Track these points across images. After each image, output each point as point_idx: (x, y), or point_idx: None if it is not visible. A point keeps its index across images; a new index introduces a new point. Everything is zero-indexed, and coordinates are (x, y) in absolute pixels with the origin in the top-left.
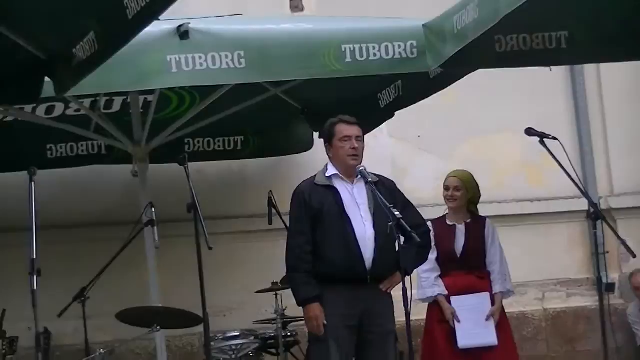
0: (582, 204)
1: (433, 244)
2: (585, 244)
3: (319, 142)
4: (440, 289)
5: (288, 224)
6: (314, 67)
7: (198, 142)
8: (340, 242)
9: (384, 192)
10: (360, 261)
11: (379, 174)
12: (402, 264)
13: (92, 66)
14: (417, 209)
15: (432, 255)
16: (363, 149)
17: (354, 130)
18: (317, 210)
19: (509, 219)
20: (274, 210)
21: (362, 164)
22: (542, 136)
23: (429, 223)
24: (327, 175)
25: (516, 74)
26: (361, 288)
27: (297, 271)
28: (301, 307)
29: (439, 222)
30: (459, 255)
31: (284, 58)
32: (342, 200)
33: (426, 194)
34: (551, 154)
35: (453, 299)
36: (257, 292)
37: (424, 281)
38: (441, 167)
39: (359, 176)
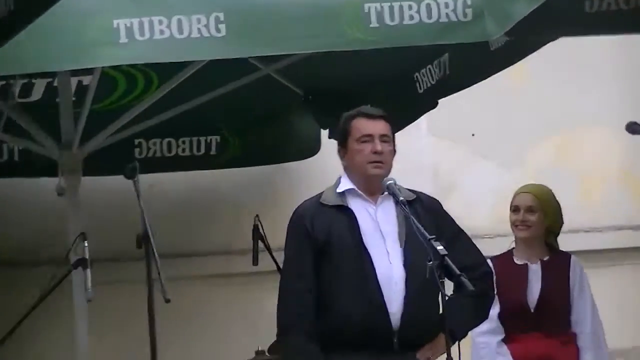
0: None
1: (494, 293)
2: None
3: (329, 145)
4: (504, 359)
5: (282, 264)
6: (325, 36)
7: (154, 144)
8: (355, 288)
9: (424, 215)
10: (384, 316)
11: (416, 189)
12: (447, 324)
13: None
14: (474, 240)
15: (493, 310)
16: (392, 154)
17: (378, 127)
18: (323, 242)
19: (603, 257)
20: (261, 244)
21: (390, 176)
22: None
23: (488, 262)
24: (339, 191)
25: (614, 45)
26: (385, 357)
27: (292, 333)
28: None
29: (503, 260)
30: (532, 310)
31: (281, 23)
32: (359, 226)
33: (482, 218)
34: None
35: None
36: None
37: (482, 348)
38: (505, 180)
39: (386, 193)
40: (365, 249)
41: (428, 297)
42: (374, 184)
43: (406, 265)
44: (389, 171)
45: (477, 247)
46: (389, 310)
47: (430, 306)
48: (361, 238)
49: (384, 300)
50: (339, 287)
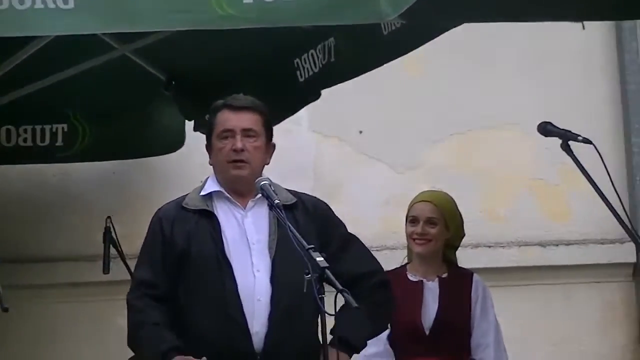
0: (628, 252)
1: None
2: (631, 319)
3: (195, 139)
4: None
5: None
6: (191, 11)
7: None
8: (213, 303)
9: (306, 221)
10: (244, 336)
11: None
12: (339, 332)
13: None
14: None
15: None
16: (260, 151)
17: (242, 120)
18: (181, 252)
19: (508, 275)
20: (113, 250)
21: (263, 176)
22: (567, 137)
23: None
24: (203, 193)
25: (526, 34)
26: None
27: (141, 328)
28: None
29: (395, 276)
30: (427, 332)
31: None
32: (222, 234)
33: (369, 227)
34: (580, 166)
35: None
36: None
37: None
38: (396, 185)
39: (259, 195)
40: (227, 259)
41: (301, 315)
42: (238, 186)
43: (273, 278)
44: (255, 171)
45: (371, 254)
46: (251, 330)
47: (304, 326)
48: (223, 247)
49: (244, 318)
50: (197, 303)
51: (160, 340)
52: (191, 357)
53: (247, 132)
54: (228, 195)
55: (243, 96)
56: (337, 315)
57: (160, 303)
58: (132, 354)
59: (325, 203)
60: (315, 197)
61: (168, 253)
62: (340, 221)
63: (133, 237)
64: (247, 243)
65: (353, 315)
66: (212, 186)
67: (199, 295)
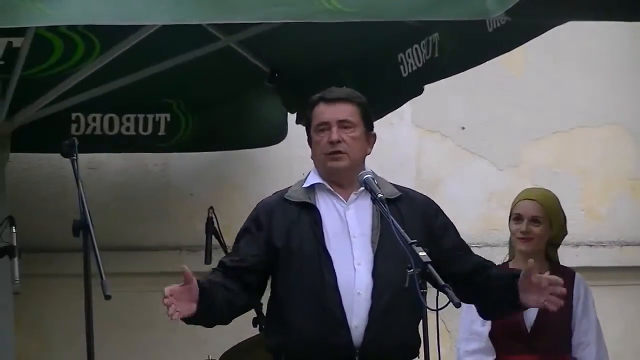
0: None
1: None
2: None
3: (297, 131)
4: None
5: None
6: (296, 4)
7: (94, 120)
8: (312, 297)
9: (410, 216)
10: (343, 331)
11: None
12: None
13: None
14: None
15: (484, 328)
16: (359, 141)
17: (337, 112)
18: (280, 244)
19: (608, 275)
20: (215, 241)
21: (367, 169)
22: None
23: None
24: (305, 186)
25: (629, 33)
26: None
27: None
28: None
29: None
30: (529, 330)
31: None
32: (323, 227)
33: (469, 223)
34: None
35: None
36: None
37: None
38: (498, 182)
39: (362, 188)
40: (327, 253)
41: (401, 311)
42: (338, 178)
43: (375, 273)
44: (354, 162)
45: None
46: (350, 324)
47: (404, 322)
48: (324, 240)
49: (343, 313)
50: (295, 297)
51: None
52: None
53: (342, 124)
54: (330, 188)
55: (338, 88)
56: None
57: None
58: (229, 345)
59: (431, 199)
60: (420, 193)
61: (263, 241)
62: (447, 218)
63: (233, 229)
64: (349, 236)
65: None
66: (314, 178)
67: (298, 288)
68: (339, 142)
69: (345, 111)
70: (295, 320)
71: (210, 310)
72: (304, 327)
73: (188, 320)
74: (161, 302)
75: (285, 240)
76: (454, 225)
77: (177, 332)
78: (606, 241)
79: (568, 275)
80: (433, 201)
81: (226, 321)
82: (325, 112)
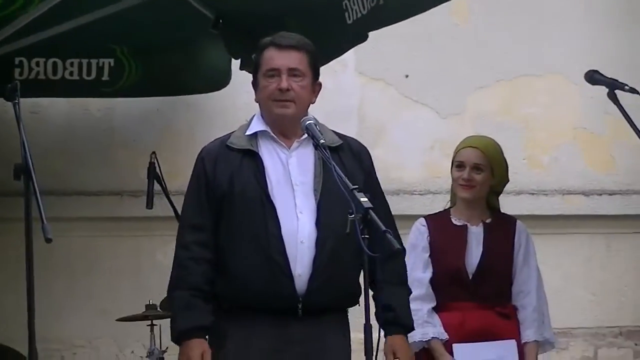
0: None
1: (427, 255)
2: None
3: (241, 77)
4: (435, 329)
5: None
6: None
7: (37, 64)
8: (255, 245)
9: (351, 164)
10: (286, 279)
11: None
12: (397, 318)
13: None
14: (401, 196)
15: (425, 274)
16: (307, 90)
17: (288, 60)
18: (224, 192)
19: (549, 224)
20: (157, 186)
21: (308, 116)
22: (614, 86)
23: (420, 221)
24: (248, 133)
25: None
26: (290, 325)
27: (178, 287)
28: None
29: (439, 221)
30: (470, 277)
31: None
32: (265, 175)
33: (413, 171)
34: (626, 116)
35: (457, 347)
36: (119, 319)
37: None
38: (441, 130)
39: (305, 136)
40: (270, 200)
41: (344, 259)
42: (283, 125)
43: (318, 222)
44: (300, 110)
45: (391, 213)
46: (293, 273)
47: (347, 270)
48: (267, 188)
49: (287, 260)
50: (239, 244)
51: (187, 314)
52: (206, 345)
53: (293, 72)
54: (273, 135)
55: (290, 34)
56: (385, 291)
57: (206, 249)
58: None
59: (369, 152)
60: (360, 143)
61: (212, 194)
62: (377, 179)
63: (176, 174)
64: (291, 184)
65: (401, 290)
66: (257, 125)
67: (241, 235)
68: (288, 90)
69: (296, 59)
70: (238, 268)
71: None
72: (247, 275)
73: None
74: None
75: (228, 187)
76: (380, 190)
77: (119, 277)
78: (548, 189)
79: (509, 222)
80: (370, 155)
81: None
82: (276, 58)
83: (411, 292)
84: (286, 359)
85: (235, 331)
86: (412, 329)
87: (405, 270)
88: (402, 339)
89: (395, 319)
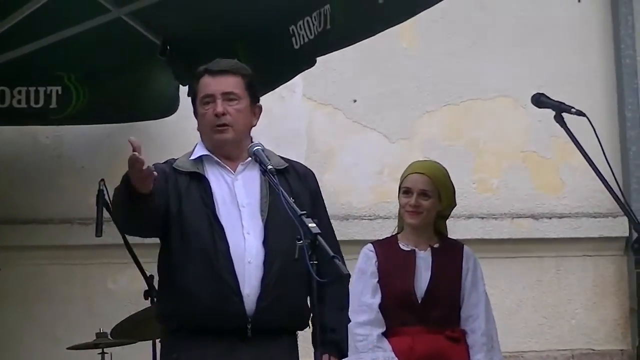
0: (620, 226)
1: (376, 281)
2: (622, 292)
3: (189, 104)
4: (386, 354)
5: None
6: None
7: None
8: (204, 264)
9: (297, 188)
10: (235, 298)
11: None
12: (333, 337)
13: None
14: (350, 221)
15: (374, 299)
16: (244, 113)
17: (221, 84)
18: (173, 209)
19: (498, 248)
20: (106, 213)
21: (255, 142)
22: (561, 109)
23: (367, 247)
24: (193, 157)
25: (521, 6)
26: (239, 349)
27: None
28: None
29: (387, 246)
30: (419, 301)
31: None
32: (212, 196)
33: (362, 196)
34: (573, 139)
35: None
36: (70, 347)
37: (360, 341)
38: (390, 154)
39: (249, 159)
40: (218, 221)
41: (291, 280)
42: (225, 150)
43: (266, 242)
44: (239, 134)
45: (338, 245)
46: (242, 292)
47: (295, 291)
48: (214, 209)
49: (236, 280)
50: (188, 264)
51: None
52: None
53: (227, 96)
54: (218, 160)
55: (224, 60)
56: (326, 313)
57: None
58: (121, 318)
59: (314, 175)
60: (305, 166)
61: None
62: (323, 201)
63: None
64: (237, 205)
65: (341, 315)
66: (201, 151)
67: (190, 256)
68: (223, 114)
69: (230, 83)
70: (188, 287)
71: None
72: (197, 294)
73: (137, 198)
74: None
75: (177, 207)
76: (325, 212)
77: (71, 305)
78: (498, 213)
79: (457, 247)
80: (315, 178)
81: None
82: (211, 84)
83: (349, 320)
84: None
85: (185, 351)
86: (346, 356)
87: (348, 296)
88: None
89: (335, 341)
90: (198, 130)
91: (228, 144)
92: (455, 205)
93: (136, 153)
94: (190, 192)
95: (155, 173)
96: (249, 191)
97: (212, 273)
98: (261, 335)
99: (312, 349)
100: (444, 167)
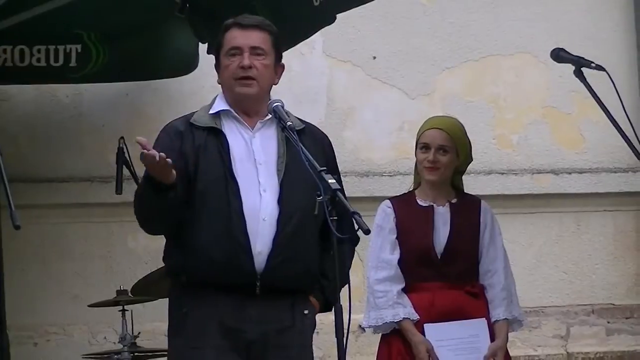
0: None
1: (394, 237)
2: None
3: (208, 62)
4: (406, 310)
5: None
6: None
7: (4, 51)
8: (216, 221)
9: (313, 146)
10: (245, 256)
11: (308, 116)
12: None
13: None
14: (370, 177)
15: (393, 255)
16: (270, 70)
17: (250, 38)
18: (190, 163)
19: (517, 203)
20: (126, 171)
21: (276, 99)
22: (580, 63)
23: (385, 203)
24: (212, 112)
25: None
26: (248, 304)
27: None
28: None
29: (405, 202)
30: (439, 257)
31: None
32: (229, 152)
33: (381, 152)
34: (593, 93)
35: (428, 327)
36: (91, 305)
37: (380, 297)
38: (410, 110)
39: (268, 117)
40: (234, 177)
41: (305, 238)
42: (245, 105)
43: (281, 200)
44: (262, 90)
45: (347, 201)
46: (253, 250)
47: (307, 249)
48: (231, 165)
49: (247, 237)
50: (200, 220)
51: None
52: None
53: (255, 50)
54: (236, 115)
55: (253, 16)
56: (327, 263)
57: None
58: (141, 275)
59: (327, 136)
60: (322, 132)
61: (179, 162)
62: (335, 159)
63: None
64: (255, 163)
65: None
66: (220, 105)
67: (203, 210)
68: (250, 67)
69: (259, 38)
70: (198, 242)
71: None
72: (207, 249)
73: (160, 190)
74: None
75: (194, 163)
76: (339, 178)
77: (90, 263)
78: (518, 169)
79: (474, 203)
80: (331, 144)
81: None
82: (238, 37)
83: (347, 280)
84: (244, 334)
85: (194, 307)
86: (329, 309)
87: (351, 258)
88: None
89: (323, 287)
90: (219, 83)
91: (250, 98)
92: (472, 160)
93: (144, 151)
94: (208, 148)
95: (169, 161)
96: (266, 149)
97: (224, 230)
98: (270, 293)
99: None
100: (460, 122)
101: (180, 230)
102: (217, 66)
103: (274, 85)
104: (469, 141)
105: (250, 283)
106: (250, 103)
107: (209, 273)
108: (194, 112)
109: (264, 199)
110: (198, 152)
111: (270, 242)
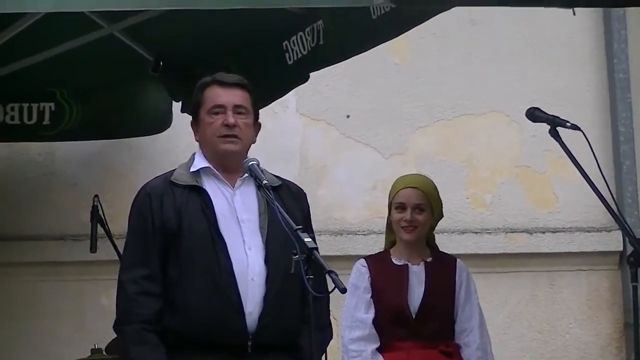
0: (615, 240)
1: (369, 296)
2: (616, 307)
3: (182, 120)
4: None
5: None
6: None
7: None
8: (206, 280)
9: (290, 205)
10: (238, 316)
11: (282, 174)
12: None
13: None
14: (344, 236)
15: (367, 315)
16: (251, 128)
17: (233, 97)
18: (172, 227)
19: (491, 262)
20: (100, 229)
21: (251, 157)
22: (555, 123)
23: (360, 262)
24: (192, 170)
25: (514, 20)
26: None
27: (127, 321)
28: None
29: (379, 261)
30: (413, 316)
31: None
32: (214, 210)
33: (355, 211)
34: (568, 153)
35: None
36: None
37: (354, 357)
38: (383, 170)
39: (247, 175)
40: (220, 235)
41: (289, 297)
42: (228, 162)
43: (267, 260)
44: (245, 148)
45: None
46: (245, 310)
47: (292, 307)
48: (216, 223)
49: (239, 298)
50: (189, 280)
51: (141, 350)
52: None
53: (238, 109)
54: (216, 172)
55: (230, 74)
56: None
57: (155, 283)
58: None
59: (303, 191)
60: (298, 186)
61: (159, 230)
62: (311, 224)
63: (119, 217)
64: (237, 221)
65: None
66: (200, 162)
67: (192, 269)
68: (234, 125)
69: (241, 97)
70: (189, 302)
71: None
72: (198, 308)
73: None
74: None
75: (176, 223)
76: (313, 235)
77: (63, 322)
78: (492, 228)
79: (450, 261)
80: (307, 199)
81: None
82: (222, 95)
83: (327, 340)
84: None
85: None
86: None
87: (328, 316)
88: None
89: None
90: (197, 140)
91: (234, 155)
92: (443, 216)
93: None
94: (190, 206)
95: None
96: (247, 207)
97: (215, 289)
98: (260, 351)
99: None
100: (431, 180)
101: (169, 291)
102: (195, 124)
103: (252, 144)
104: (440, 198)
105: (242, 343)
106: (232, 160)
107: (201, 332)
108: (173, 170)
109: (250, 257)
110: (180, 212)
111: (260, 302)
